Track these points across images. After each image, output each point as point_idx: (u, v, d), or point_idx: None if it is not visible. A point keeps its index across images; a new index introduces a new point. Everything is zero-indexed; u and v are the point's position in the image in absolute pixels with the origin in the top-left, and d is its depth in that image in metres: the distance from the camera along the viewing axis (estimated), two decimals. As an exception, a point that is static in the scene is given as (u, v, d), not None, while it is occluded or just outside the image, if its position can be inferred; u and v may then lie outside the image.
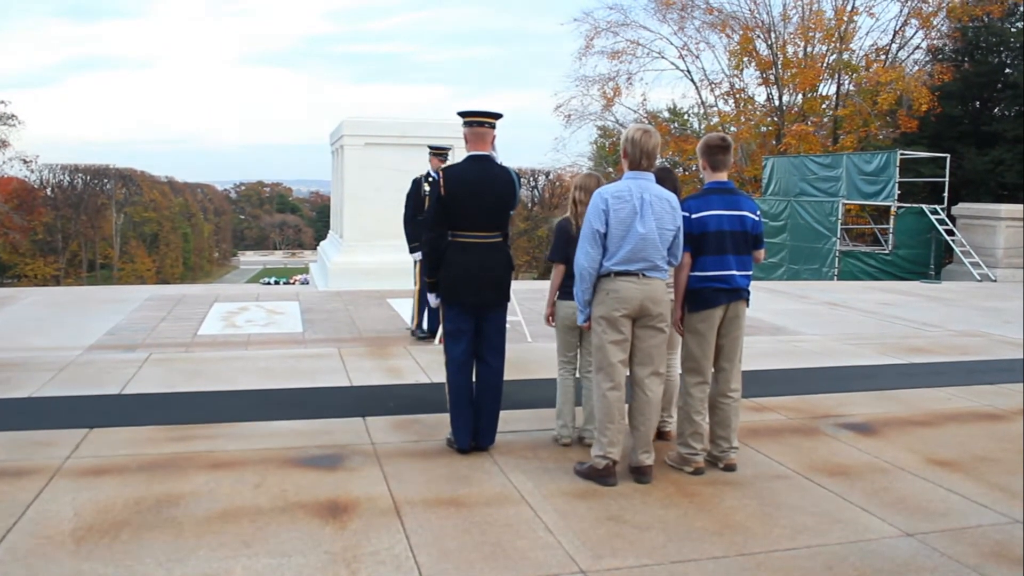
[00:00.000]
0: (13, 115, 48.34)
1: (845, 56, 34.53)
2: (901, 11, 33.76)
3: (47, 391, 6.92)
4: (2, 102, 47.97)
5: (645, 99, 42.71)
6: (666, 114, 44.20)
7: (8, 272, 56.71)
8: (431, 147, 9.25)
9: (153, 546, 4.00)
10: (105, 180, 71.69)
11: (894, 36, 34.49)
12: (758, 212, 5.29)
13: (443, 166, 5.50)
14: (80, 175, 68.54)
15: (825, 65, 34.79)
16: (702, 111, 41.86)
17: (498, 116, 5.42)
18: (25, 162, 56.79)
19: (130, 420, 6.10)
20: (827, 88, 35.95)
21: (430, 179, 8.85)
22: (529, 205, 61.65)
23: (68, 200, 65.97)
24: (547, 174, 61.27)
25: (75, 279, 59.36)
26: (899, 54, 34.85)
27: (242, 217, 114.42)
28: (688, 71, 39.30)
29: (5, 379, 7.20)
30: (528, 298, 11.33)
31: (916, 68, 33.04)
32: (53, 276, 58.84)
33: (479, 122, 5.37)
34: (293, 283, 30.24)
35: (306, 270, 30.35)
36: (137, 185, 77.35)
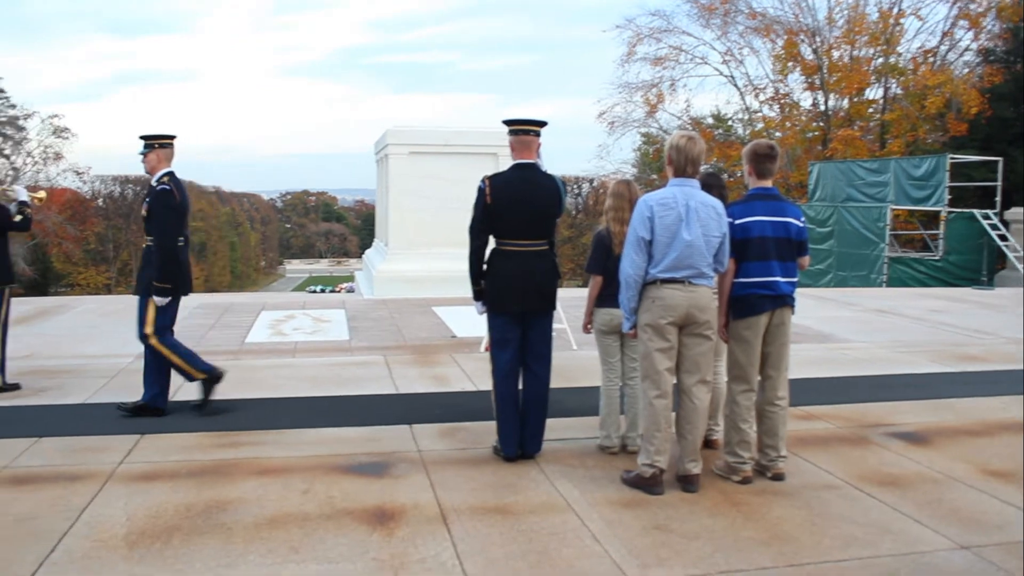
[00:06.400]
0: (66, 128, 49.17)
1: (892, 59, 34.09)
2: (949, 12, 33.20)
3: (99, 397, 7.05)
4: (56, 116, 48.83)
5: (689, 105, 42.62)
6: (710, 120, 43.90)
7: (62, 281, 57.76)
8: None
9: (203, 551, 4.06)
10: (154, 190, 72.71)
11: (942, 38, 33.93)
12: (802, 218, 5.24)
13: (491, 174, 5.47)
14: (130, 186, 69.62)
15: (872, 69, 34.37)
16: (747, 117, 41.56)
17: (543, 124, 5.41)
18: (78, 174, 57.73)
19: (180, 427, 6.20)
20: (874, 92, 35.53)
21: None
22: (573, 212, 61.46)
23: (119, 210, 66.97)
24: (591, 181, 61.04)
25: (126, 287, 60.23)
26: (948, 56, 34.30)
27: (288, 226, 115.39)
28: (732, 76, 39.05)
29: (59, 385, 7.35)
30: (572, 306, 11.29)
31: (966, 70, 32.49)
32: (105, 285, 59.79)
33: (524, 130, 5.36)
34: (339, 291, 30.40)
35: (351, 278, 30.54)
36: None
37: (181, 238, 6.52)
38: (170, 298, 6.46)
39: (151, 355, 6.59)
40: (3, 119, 44.85)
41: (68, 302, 14.54)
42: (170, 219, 6.40)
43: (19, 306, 10.17)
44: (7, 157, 45.78)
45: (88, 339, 10.19)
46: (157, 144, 6.56)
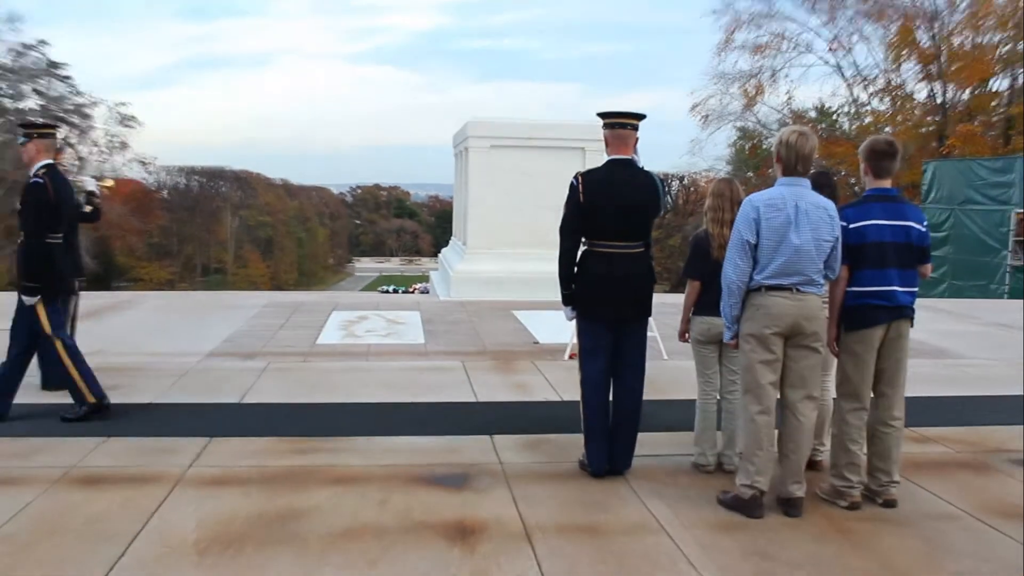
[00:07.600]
0: (133, 116, 50.79)
1: (1021, 46, 33.09)
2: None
3: (168, 397, 7.26)
4: (123, 103, 50.48)
5: (790, 97, 41.91)
6: (813, 114, 43.28)
7: (124, 275, 59.53)
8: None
9: (277, 561, 4.15)
10: (220, 182, 74.78)
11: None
12: (925, 222, 5.13)
13: (583, 170, 5.47)
14: (196, 177, 71.57)
15: (997, 57, 33.41)
16: (853, 110, 40.90)
17: (641, 117, 5.38)
18: (143, 164, 59.45)
19: (250, 430, 6.35)
20: (999, 83, 34.55)
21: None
22: (661, 212, 61.22)
23: (184, 203, 68.96)
24: (681, 179, 60.62)
25: (189, 283, 61.90)
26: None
27: (357, 222, 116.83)
28: (839, 66, 38.59)
29: (128, 384, 7.58)
30: (663, 312, 11.23)
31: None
32: (168, 280, 61.48)
33: (621, 123, 5.32)
34: (412, 292, 30.72)
35: (423, 278, 30.86)
36: (252, 188, 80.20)
37: (58, 236, 6.53)
38: (38, 297, 6.42)
39: None
40: (69, 107, 46.36)
41: (135, 298, 15.01)
42: (40, 214, 6.38)
43: (86, 300, 10.52)
44: (72, 146, 47.40)
45: (156, 337, 10.49)
46: (36, 134, 6.58)
